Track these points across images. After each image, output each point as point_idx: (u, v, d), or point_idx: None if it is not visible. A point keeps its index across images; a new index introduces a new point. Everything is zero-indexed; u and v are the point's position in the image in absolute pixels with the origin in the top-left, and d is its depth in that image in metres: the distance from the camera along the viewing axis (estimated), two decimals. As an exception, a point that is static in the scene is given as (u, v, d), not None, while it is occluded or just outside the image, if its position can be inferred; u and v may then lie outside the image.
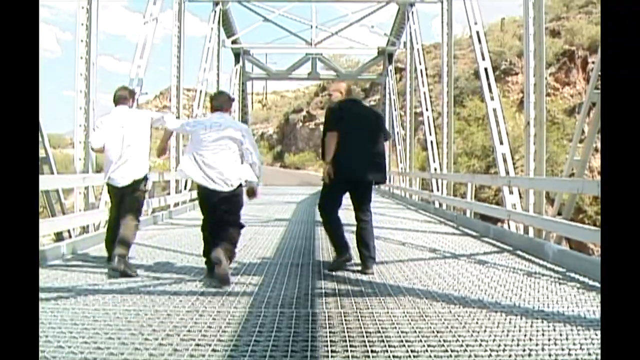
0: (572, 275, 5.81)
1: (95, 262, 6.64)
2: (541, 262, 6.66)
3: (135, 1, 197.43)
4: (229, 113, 5.99)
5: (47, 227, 7.36)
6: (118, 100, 6.41)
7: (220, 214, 5.63)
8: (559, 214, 8.42)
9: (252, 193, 5.81)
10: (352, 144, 5.86)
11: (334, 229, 6.14)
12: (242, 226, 5.82)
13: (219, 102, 5.89)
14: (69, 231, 8.24)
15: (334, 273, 5.97)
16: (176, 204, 13.48)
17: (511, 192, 9.78)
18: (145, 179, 6.31)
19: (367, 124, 6.09)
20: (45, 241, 7.98)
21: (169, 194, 13.47)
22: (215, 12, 19.99)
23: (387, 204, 17.66)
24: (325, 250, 7.51)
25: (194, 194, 15.08)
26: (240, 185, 5.67)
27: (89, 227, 8.71)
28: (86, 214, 8.72)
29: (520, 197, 9.61)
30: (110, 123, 6.25)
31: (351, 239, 6.18)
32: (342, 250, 6.08)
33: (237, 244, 5.80)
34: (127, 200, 6.18)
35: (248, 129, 5.96)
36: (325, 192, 6.22)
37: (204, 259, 5.84)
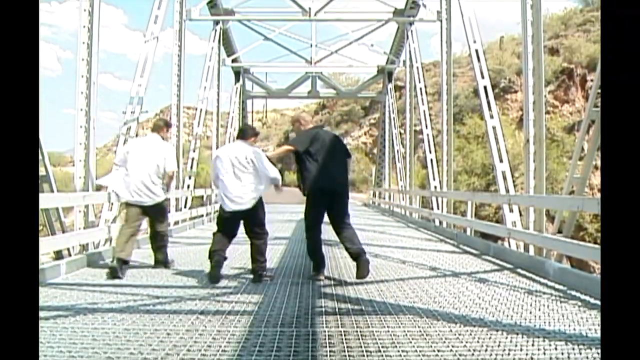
0: (573, 293, 5.80)
1: (95, 281, 6.63)
2: (542, 280, 6.64)
3: (135, 20, 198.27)
4: (251, 141, 6.89)
5: (46, 246, 7.35)
6: (154, 128, 7.68)
7: (246, 228, 6.77)
8: (560, 231, 8.40)
9: (276, 187, 6.96)
10: (323, 163, 6.66)
11: (316, 248, 6.99)
12: (266, 233, 6.96)
13: (241, 133, 7.04)
14: (68, 249, 8.22)
15: (333, 292, 5.99)
16: (176, 222, 13.47)
17: (511, 210, 9.78)
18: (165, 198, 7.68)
19: (332, 146, 6.84)
20: (44, 259, 7.96)
21: (169, 212, 13.45)
22: (215, 31, 20.09)
23: (387, 222, 17.65)
24: (325, 269, 7.49)
25: (194, 212, 15.18)
26: (259, 201, 6.68)
27: (88, 246, 8.70)
28: (86, 233, 8.72)
29: (521, 214, 9.60)
30: (138, 146, 7.49)
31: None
32: (319, 267, 6.88)
33: (265, 251, 6.85)
34: (152, 215, 7.57)
35: (257, 151, 6.76)
36: (308, 210, 6.98)
37: (208, 256, 6.68)
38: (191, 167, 17.31)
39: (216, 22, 20.11)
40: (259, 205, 6.72)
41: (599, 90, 7.14)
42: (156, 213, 7.61)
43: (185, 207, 14.96)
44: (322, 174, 6.63)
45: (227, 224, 6.68)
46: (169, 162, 7.42)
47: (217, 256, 6.53)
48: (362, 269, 6.46)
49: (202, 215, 16.09)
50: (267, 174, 6.65)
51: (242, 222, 6.74)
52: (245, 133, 6.98)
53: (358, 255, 6.54)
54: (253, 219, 6.69)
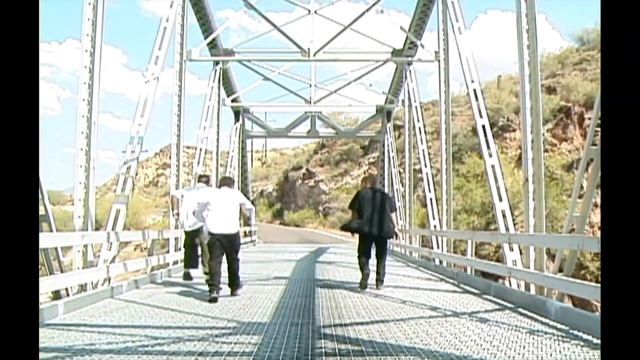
0: (576, 333, 5.76)
1: (93, 321, 6.59)
2: (543, 319, 6.60)
3: (134, 59, 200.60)
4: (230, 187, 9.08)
5: (44, 285, 7.31)
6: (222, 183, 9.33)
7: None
8: (561, 270, 8.38)
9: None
10: (372, 213, 9.64)
11: (364, 268, 9.71)
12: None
13: (224, 182, 9.18)
14: (66, 289, 8.18)
15: (333, 332, 5.95)
16: (175, 262, 13.39)
17: (511, 249, 9.76)
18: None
19: (379, 202, 9.77)
20: (42, 299, 7.91)
21: (167, 251, 13.41)
22: (215, 71, 20.32)
23: (387, 261, 17.50)
24: (325, 309, 7.46)
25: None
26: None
27: (87, 286, 8.66)
28: (84, 272, 8.69)
29: (521, 253, 9.59)
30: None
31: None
32: (364, 277, 9.65)
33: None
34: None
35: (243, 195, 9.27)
36: (360, 246, 9.96)
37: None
38: (191, 206, 17.28)
39: (216, 63, 20.35)
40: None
41: (597, 129, 7.20)
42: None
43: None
44: (366, 223, 9.61)
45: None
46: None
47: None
48: (377, 286, 9.65)
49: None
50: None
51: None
52: (228, 182, 9.20)
53: (377, 285, 9.66)
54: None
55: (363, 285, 9.58)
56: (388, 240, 10.69)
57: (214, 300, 8.14)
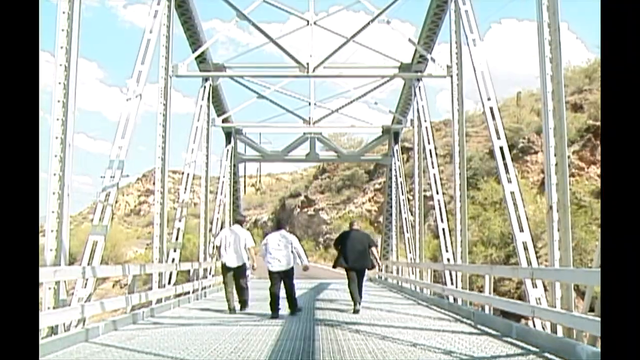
0: (609, 381, 5.66)
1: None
2: (573, 365, 6.51)
3: (111, 75, 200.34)
4: (286, 229, 12.97)
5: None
6: (235, 222, 13.57)
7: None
8: (592, 309, 8.28)
9: (305, 268, 12.78)
10: (351, 250, 12.90)
11: (353, 292, 12.81)
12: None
13: (280, 223, 13.84)
14: (35, 332, 8.07)
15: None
16: (159, 300, 13.31)
17: (535, 286, 9.67)
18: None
19: (359, 240, 13.11)
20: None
21: (150, 288, 13.32)
22: (204, 88, 20.23)
23: (396, 299, 17.50)
24: (326, 353, 7.38)
25: (179, 289, 15.05)
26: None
27: (58, 328, 8.53)
28: (56, 313, 8.57)
29: (546, 290, 9.50)
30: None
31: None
32: (355, 303, 12.68)
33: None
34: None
35: (294, 237, 12.72)
36: (347, 275, 13.06)
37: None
38: (176, 238, 17.13)
39: (205, 79, 20.30)
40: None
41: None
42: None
43: (169, 283, 14.78)
44: (348, 258, 12.88)
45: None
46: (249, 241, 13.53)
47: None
48: (354, 310, 12.63)
49: (189, 292, 15.91)
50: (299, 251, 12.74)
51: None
52: (283, 223, 13.96)
53: (354, 308, 12.64)
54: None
55: (355, 309, 12.65)
56: (366, 270, 13.61)
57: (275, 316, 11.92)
